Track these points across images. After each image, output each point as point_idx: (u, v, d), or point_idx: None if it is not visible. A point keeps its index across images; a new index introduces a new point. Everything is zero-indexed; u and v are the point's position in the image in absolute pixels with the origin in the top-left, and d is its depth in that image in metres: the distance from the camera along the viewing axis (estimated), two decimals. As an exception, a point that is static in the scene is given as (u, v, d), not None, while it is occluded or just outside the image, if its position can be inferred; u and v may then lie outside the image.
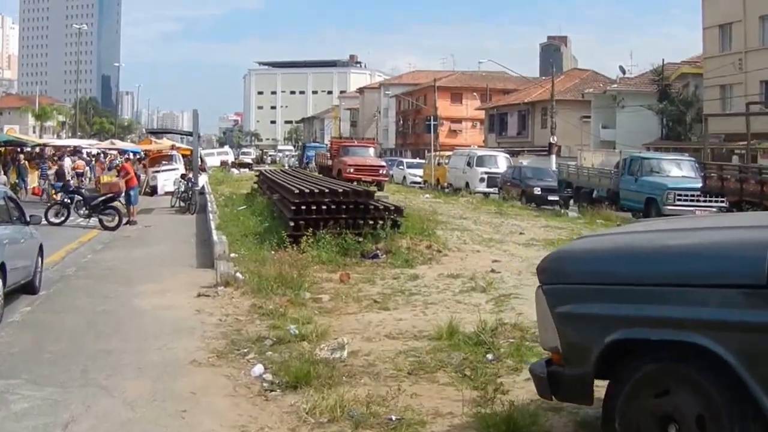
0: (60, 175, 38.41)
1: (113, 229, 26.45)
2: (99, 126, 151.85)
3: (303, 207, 19.14)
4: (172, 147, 53.01)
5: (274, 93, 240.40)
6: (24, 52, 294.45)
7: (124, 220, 27.56)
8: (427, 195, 43.30)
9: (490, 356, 9.95)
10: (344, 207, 19.43)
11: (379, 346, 10.74)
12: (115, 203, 27.99)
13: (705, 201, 28.94)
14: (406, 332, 11.50)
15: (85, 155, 58.84)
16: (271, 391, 8.79)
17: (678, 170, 31.81)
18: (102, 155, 62.38)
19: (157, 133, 79.11)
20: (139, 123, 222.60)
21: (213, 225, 22.40)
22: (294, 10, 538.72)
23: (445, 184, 52.28)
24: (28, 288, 14.66)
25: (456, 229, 23.84)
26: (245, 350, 10.44)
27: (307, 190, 19.62)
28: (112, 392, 8.67)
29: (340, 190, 19.83)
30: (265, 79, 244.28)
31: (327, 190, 19.72)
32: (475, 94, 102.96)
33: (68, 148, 58.79)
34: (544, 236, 23.35)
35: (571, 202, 38.32)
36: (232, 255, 18.04)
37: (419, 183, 59.38)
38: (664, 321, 5.51)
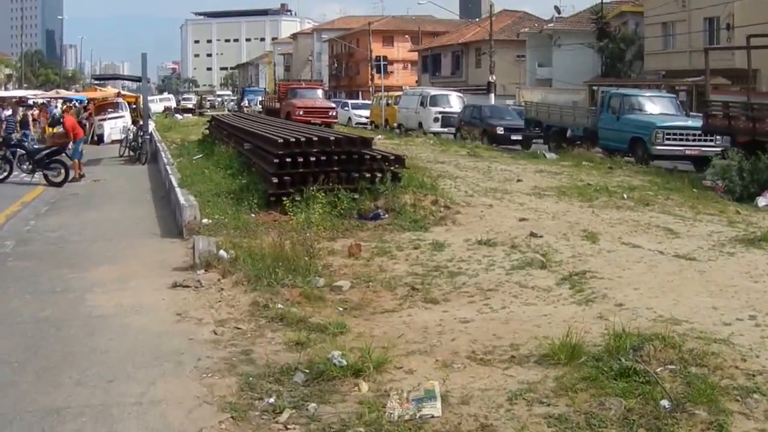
0: None
1: (59, 184, 22.08)
2: (44, 77, 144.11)
3: (288, 159, 14.69)
4: (118, 94, 47.76)
5: (209, 42, 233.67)
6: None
7: (71, 174, 23.06)
8: (380, 136, 38.48)
9: (665, 403, 5.83)
10: (335, 158, 15.01)
11: (471, 380, 6.54)
12: (61, 156, 23.45)
13: (695, 141, 25.06)
14: (493, 348, 7.30)
15: (30, 104, 53.34)
16: None
17: (660, 107, 27.65)
18: (49, 104, 56.66)
19: (104, 79, 73.07)
20: (82, 73, 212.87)
21: (175, 180, 17.87)
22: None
23: (395, 124, 47.74)
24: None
25: (443, 177, 19.45)
26: (271, 399, 6.17)
27: (292, 139, 14.92)
28: None
29: (332, 138, 15.20)
30: (201, 28, 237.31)
31: (316, 139, 15.10)
32: (407, 36, 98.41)
33: (13, 99, 53.40)
34: (546, 183, 19.19)
35: (540, 141, 33.93)
36: (204, 221, 13.65)
37: (365, 124, 54.76)
38: None
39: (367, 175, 14.93)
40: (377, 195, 14.76)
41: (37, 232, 14.78)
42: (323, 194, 14.24)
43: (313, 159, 14.76)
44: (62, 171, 22.61)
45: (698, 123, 25.69)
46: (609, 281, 9.63)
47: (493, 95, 56.28)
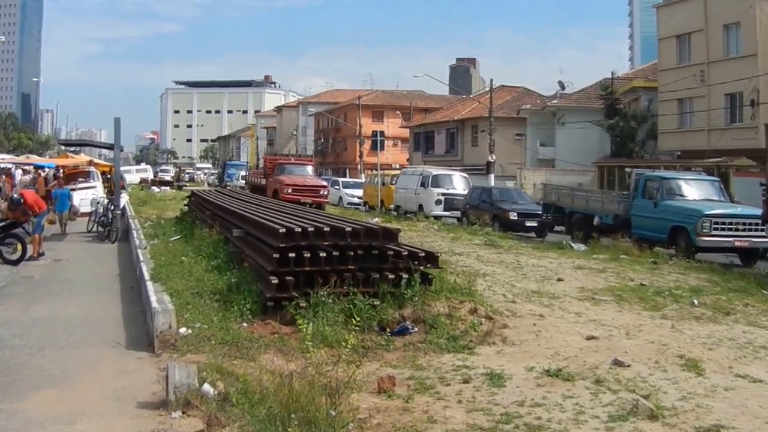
0: None
1: (15, 263, 20.18)
2: (17, 141, 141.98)
3: (291, 254, 11.98)
4: (90, 162, 45.30)
5: (190, 112, 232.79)
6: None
7: (29, 252, 21.01)
8: (377, 219, 35.98)
9: None
10: (351, 253, 12.31)
11: None
12: (18, 230, 21.35)
13: (745, 231, 22.60)
14: None
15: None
16: None
17: (703, 192, 25.20)
18: (18, 170, 54.10)
19: (72, 144, 70.56)
20: (57, 139, 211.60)
21: (146, 272, 15.15)
22: (210, 34, 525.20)
23: (392, 206, 45.23)
24: None
25: (468, 272, 16.79)
26: None
27: (298, 229, 12.22)
28: None
29: (348, 229, 12.34)
30: (182, 98, 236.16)
31: (327, 229, 12.39)
32: (397, 112, 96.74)
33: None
34: (593, 284, 16.60)
35: (562, 228, 31.35)
36: (182, 331, 10.94)
37: (357, 204, 52.36)
38: None
39: (390, 276, 12.21)
40: (402, 302, 12.06)
41: (-27, 331, 12.18)
42: (335, 299, 11.57)
43: (323, 254, 12.07)
44: (19, 247, 20.76)
45: (749, 211, 23.36)
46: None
47: (492, 176, 54.19)
